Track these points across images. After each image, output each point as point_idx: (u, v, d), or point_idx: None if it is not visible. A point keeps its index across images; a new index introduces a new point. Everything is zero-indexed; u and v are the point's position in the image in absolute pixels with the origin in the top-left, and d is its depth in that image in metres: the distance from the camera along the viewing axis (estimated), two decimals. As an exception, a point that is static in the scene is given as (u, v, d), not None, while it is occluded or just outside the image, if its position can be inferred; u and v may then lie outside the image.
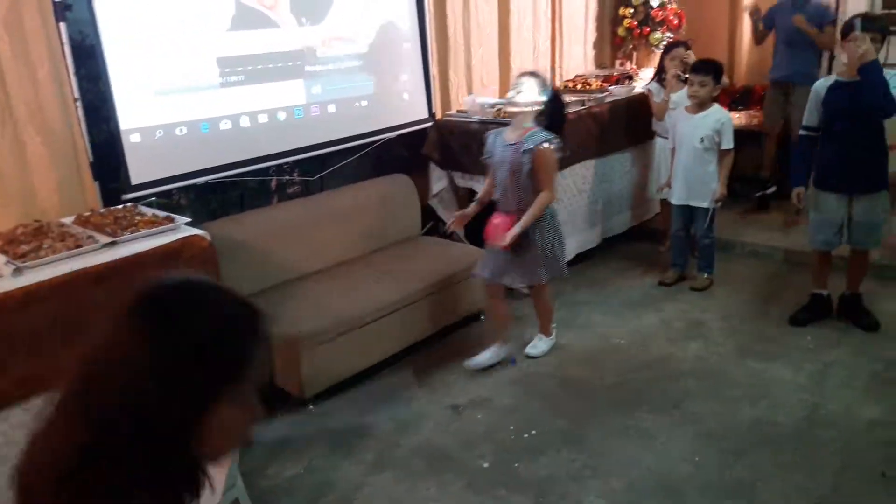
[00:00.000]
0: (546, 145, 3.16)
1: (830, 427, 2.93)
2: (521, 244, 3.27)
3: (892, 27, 3.67)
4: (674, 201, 4.26)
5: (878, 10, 4.76)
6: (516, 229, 3.21)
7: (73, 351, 0.91)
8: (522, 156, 3.18)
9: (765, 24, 5.15)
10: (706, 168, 4.08)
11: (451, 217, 3.53)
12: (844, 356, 3.46)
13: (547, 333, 3.66)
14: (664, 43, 5.29)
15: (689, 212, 4.21)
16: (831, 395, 3.15)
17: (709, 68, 4.03)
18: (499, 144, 3.32)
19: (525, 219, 3.23)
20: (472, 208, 3.46)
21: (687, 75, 4.17)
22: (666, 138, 4.44)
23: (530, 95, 3.23)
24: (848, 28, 3.36)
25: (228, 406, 0.88)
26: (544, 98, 3.24)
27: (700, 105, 4.06)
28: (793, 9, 4.87)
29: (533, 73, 3.29)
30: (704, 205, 4.11)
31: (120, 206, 2.94)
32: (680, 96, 4.25)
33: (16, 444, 2.21)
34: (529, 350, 3.61)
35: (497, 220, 3.29)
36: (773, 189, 5.26)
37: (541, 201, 3.23)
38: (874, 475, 2.62)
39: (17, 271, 2.29)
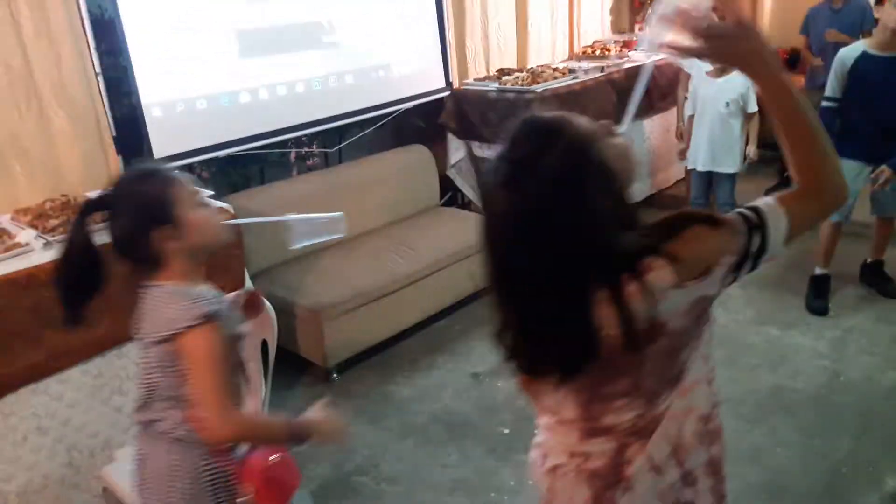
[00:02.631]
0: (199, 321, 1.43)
1: (850, 393, 2.94)
2: None
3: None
4: (698, 168, 4.22)
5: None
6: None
7: None
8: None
9: (801, 30, 4.89)
10: (731, 133, 4.03)
11: None
12: (865, 323, 3.45)
13: None
14: (684, 7, 5.20)
15: (710, 179, 4.18)
16: (851, 362, 3.15)
17: None
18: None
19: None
20: None
21: None
22: None
23: None
24: None
25: None
26: None
27: (723, 69, 4.00)
28: (829, 16, 4.62)
29: None
30: (730, 170, 4.08)
31: (143, 181, 2.98)
32: (699, 62, 4.18)
33: (54, 417, 2.29)
34: None
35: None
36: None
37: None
38: (894, 440, 2.64)
39: (48, 245, 2.34)
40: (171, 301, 1.44)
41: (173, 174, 1.50)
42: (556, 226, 1.03)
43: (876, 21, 4.19)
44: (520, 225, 1.05)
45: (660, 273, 1.04)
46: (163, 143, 3.11)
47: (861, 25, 4.59)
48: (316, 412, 1.62)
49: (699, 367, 1.18)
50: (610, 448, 1.21)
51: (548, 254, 1.05)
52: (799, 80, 5.19)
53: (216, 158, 3.38)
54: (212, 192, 2.85)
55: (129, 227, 1.44)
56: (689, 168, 4.34)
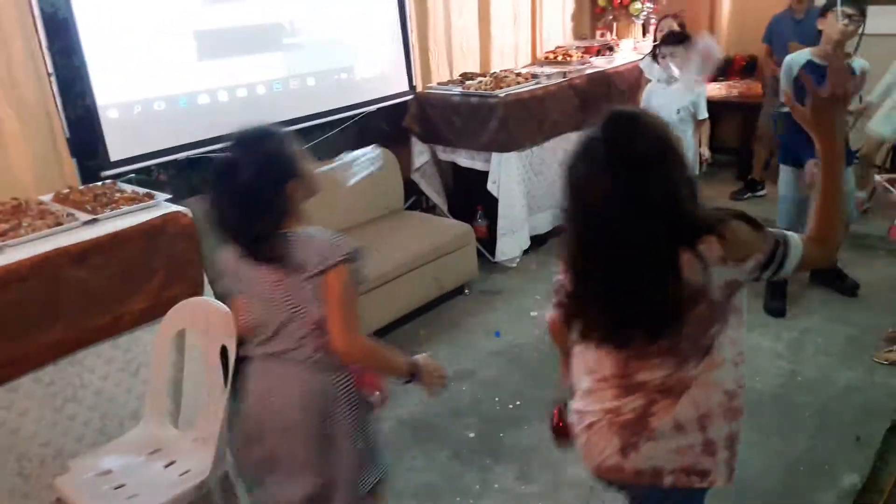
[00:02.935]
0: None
1: (807, 392, 3.00)
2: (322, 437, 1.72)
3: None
4: None
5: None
6: None
7: None
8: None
9: (764, 39, 4.92)
10: (682, 140, 4.06)
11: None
12: (821, 323, 3.53)
13: None
14: (644, 13, 5.27)
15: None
16: (808, 362, 3.22)
17: (682, 39, 3.99)
18: None
19: None
20: None
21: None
22: None
23: None
24: (830, 3, 3.32)
25: None
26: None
27: (672, 77, 4.04)
28: (792, 26, 4.62)
29: None
30: None
31: (99, 184, 2.90)
32: (658, 70, 4.23)
33: (3, 426, 2.21)
34: None
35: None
36: (763, 192, 5.15)
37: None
38: (849, 439, 2.70)
39: (-4, 251, 2.26)
40: (315, 241, 1.63)
41: (285, 132, 1.69)
42: (650, 196, 1.24)
43: None
44: (620, 197, 1.24)
45: (711, 246, 1.27)
46: (119, 144, 3.04)
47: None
48: (425, 359, 1.79)
49: (727, 348, 1.38)
50: (640, 404, 1.41)
51: (643, 222, 1.24)
52: (756, 88, 5.30)
53: (175, 161, 3.31)
54: (170, 196, 2.80)
55: (266, 181, 1.59)
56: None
